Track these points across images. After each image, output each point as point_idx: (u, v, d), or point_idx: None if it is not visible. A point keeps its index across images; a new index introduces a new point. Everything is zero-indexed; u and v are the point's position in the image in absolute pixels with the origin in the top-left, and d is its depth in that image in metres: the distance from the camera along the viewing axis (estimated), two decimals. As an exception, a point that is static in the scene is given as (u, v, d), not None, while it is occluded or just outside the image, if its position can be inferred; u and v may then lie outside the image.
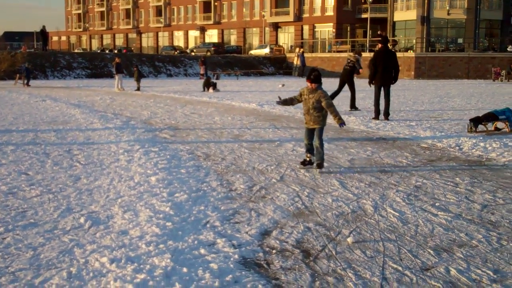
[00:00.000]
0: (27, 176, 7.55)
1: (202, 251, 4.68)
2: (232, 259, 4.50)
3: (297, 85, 33.66)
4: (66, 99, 21.28)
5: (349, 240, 4.90)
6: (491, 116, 11.82)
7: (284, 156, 9.10)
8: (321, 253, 4.63)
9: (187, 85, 34.05)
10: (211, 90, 26.55)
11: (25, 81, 32.66)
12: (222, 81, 36.93)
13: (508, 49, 46.26)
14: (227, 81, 39.08)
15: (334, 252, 4.64)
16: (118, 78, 28.27)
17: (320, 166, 7.75)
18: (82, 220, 5.54)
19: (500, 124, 11.95)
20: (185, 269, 4.26)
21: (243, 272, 4.24)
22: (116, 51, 60.92)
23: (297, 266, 4.36)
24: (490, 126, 11.88)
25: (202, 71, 41.62)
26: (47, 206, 6.07)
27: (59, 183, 7.13)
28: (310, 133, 7.83)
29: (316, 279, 4.09)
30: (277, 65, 53.67)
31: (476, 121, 11.70)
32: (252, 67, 51.96)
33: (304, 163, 8.10)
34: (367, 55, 45.89)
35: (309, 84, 7.63)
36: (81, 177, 7.45)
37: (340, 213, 5.77)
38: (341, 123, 7.64)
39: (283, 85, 32.58)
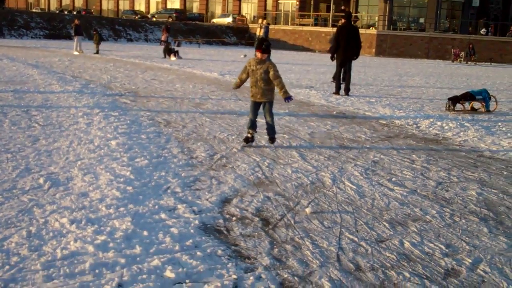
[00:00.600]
0: (-17, 134, 7.41)
1: (163, 215, 4.72)
2: (192, 224, 4.56)
3: (259, 56, 33.59)
4: (24, 59, 20.75)
5: (308, 210, 5.02)
6: (469, 96, 12.24)
7: (246, 126, 9.14)
8: (280, 222, 4.74)
9: (147, 50, 33.57)
10: (172, 57, 26.24)
11: None
12: (184, 49, 36.50)
13: (481, 32, 47.02)
14: (189, 48, 38.68)
15: (292, 222, 4.75)
16: (77, 40, 27.66)
17: (273, 140, 7.59)
18: (41, 180, 5.50)
19: (476, 104, 12.37)
20: (145, 233, 4.30)
21: (203, 238, 4.31)
22: (75, 13, 59.35)
23: (256, 233, 4.45)
24: (467, 106, 12.26)
25: (163, 38, 41.06)
26: (6, 165, 5.99)
27: (18, 143, 7.03)
28: (256, 107, 7.46)
29: (275, 246, 4.20)
30: (239, 35, 53.36)
31: (454, 100, 12.11)
32: (214, 35, 51.53)
33: (247, 140, 7.63)
34: (329, 29, 46.08)
35: (258, 54, 7.19)
36: (39, 138, 7.35)
37: (300, 184, 5.89)
38: (287, 97, 7.18)
39: (245, 55, 32.46)
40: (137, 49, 34.77)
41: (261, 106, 7.47)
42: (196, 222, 4.63)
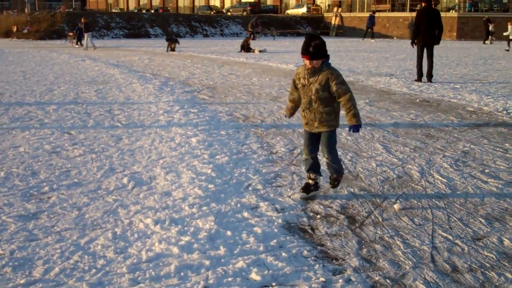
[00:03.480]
0: (69, 135, 7.60)
1: (245, 214, 4.63)
2: (275, 223, 4.44)
3: (334, 45, 33.12)
4: (105, 59, 21.37)
5: (396, 206, 4.78)
6: None
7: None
8: (367, 219, 4.53)
9: (223, 45, 33.81)
10: (256, 51, 26.32)
11: (77, 41, 33.29)
12: (259, 42, 36.55)
13: None
14: (264, 41, 38.62)
15: (380, 219, 4.53)
16: (87, 36, 29.46)
17: (336, 182, 5.18)
18: (125, 180, 5.55)
19: None
20: (229, 232, 4.22)
21: (288, 237, 4.17)
22: (153, 11, 60.76)
23: (342, 232, 4.27)
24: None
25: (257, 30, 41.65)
26: (90, 166, 6.10)
27: (101, 143, 7.16)
28: (313, 139, 5.05)
29: (363, 246, 4.01)
30: (314, 25, 52.77)
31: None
32: (289, 27, 51.24)
33: (308, 188, 5.13)
34: (407, 14, 44.74)
35: (306, 61, 4.73)
36: (122, 137, 7.46)
37: (385, 179, 5.64)
38: (356, 125, 4.81)
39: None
40: (213, 44, 35.10)
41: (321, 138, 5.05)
42: (280, 220, 4.50)
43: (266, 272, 3.59)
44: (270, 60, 20.98)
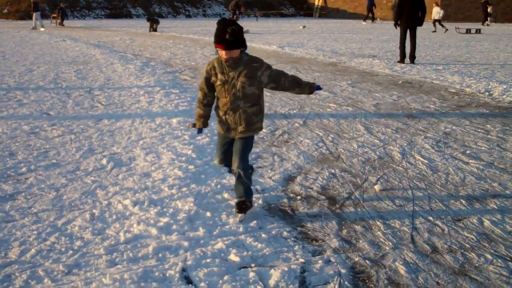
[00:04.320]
0: (48, 116, 7.49)
1: (226, 195, 4.59)
2: (256, 204, 4.41)
3: (318, 27, 33.04)
4: (86, 40, 21.09)
5: (377, 187, 4.77)
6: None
7: (307, 99, 8.91)
8: (347, 200, 4.52)
9: (206, 26, 33.53)
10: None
11: (60, 21, 32.89)
12: (242, 22, 36.29)
13: None
14: (246, 22, 38.39)
15: (361, 200, 4.52)
16: (35, 16, 29.21)
17: (242, 207, 4.12)
18: (104, 161, 5.48)
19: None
20: (208, 213, 4.18)
21: (268, 218, 4.14)
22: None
23: (323, 213, 4.25)
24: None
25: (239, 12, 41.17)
26: (69, 146, 6.01)
27: (81, 123, 7.06)
28: (228, 146, 4.17)
29: (343, 227, 3.99)
30: (297, 6, 52.57)
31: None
32: (272, 7, 50.96)
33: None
34: (391, -4, 44.66)
35: (222, 51, 3.81)
36: (102, 118, 7.36)
37: (367, 160, 5.63)
38: (316, 86, 4.20)
39: (304, 26, 31.96)
40: (195, 25, 34.79)
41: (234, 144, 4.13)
42: (260, 201, 4.47)
43: (245, 253, 3.56)
44: (253, 41, 20.85)
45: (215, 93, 4.07)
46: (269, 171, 5.28)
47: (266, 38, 22.97)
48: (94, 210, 4.23)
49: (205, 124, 4.18)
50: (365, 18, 40.73)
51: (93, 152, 5.82)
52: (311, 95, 4.52)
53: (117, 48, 17.75)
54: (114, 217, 4.12)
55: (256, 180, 4.99)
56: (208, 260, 3.46)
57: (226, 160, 4.21)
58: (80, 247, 3.63)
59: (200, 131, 4.22)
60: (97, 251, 3.57)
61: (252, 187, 4.32)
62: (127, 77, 11.15)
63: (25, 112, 7.66)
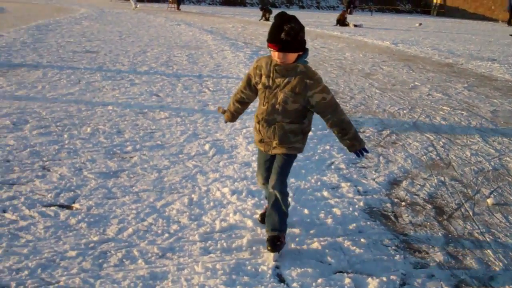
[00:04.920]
0: (157, 97, 7.64)
1: (325, 193, 4.43)
2: (356, 206, 4.22)
3: (434, 25, 31.77)
4: (200, 25, 21.53)
5: (489, 201, 4.42)
6: None
7: (419, 100, 8.52)
8: (456, 212, 4.22)
9: (318, 18, 33.26)
10: (351, 25, 25.81)
11: (177, 6, 34.06)
12: (355, 16, 35.67)
13: None
14: (360, 16, 37.64)
15: (471, 213, 4.20)
16: None
17: (276, 244, 3.36)
18: (207, 147, 5.48)
19: None
20: (306, 211, 4.05)
21: (368, 222, 3.95)
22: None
23: (428, 223, 3.99)
24: None
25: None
26: (175, 129, 6.08)
27: (188, 107, 7.14)
28: (270, 163, 3.50)
29: (450, 240, 3.71)
30: (414, 2, 50.88)
31: None
32: (388, 3, 49.69)
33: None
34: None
35: (275, 52, 3.17)
36: (208, 104, 7.41)
37: (480, 170, 5.25)
38: (361, 149, 3.37)
39: (420, 24, 30.89)
40: (308, 16, 34.57)
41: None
42: (361, 204, 4.27)
43: (342, 257, 3.40)
44: (366, 36, 20.37)
45: (254, 94, 3.49)
46: (373, 172, 5.06)
47: (379, 33, 22.37)
48: (192, 195, 4.22)
49: (231, 120, 3.75)
50: (508, 21, 36.90)
51: (197, 136, 5.85)
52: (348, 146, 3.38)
53: (229, 35, 17.95)
54: (211, 204, 4.09)
55: (358, 180, 4.80)
56: (303, 260, 3.33)
57: (265, 177, 3.55)
58: (176, 231, 3.62)
59: (226, 122, 3.93)
60: (192, 237, 3.54)
61: (356, 186, 4.13)
62: (236, 64, 11.21)
63: (135, 92, 7.87)
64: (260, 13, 28.07)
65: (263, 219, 3.73)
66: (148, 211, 3.90)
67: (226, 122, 3.80)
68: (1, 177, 4.40)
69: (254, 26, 23.14)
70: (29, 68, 9.39)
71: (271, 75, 3.24)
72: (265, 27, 22.45)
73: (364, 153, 3.38)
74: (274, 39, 3.12)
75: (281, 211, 3.39)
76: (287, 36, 3.07)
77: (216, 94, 8.07)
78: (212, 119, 6.58)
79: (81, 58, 10.79)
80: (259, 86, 3.32)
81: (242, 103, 3.61)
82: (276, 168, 3.40)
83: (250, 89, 3.46)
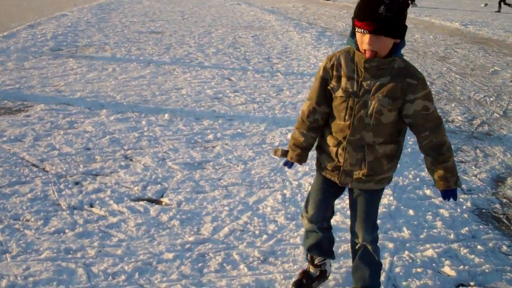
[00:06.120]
0: (230, 81, 7.39)
1: (427, 192, 4.08)
2: (464, 207, 3.86)
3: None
4: (260, 4, 21.14)
5: None
6: None
7: (503, 87, 7.99)
8: None
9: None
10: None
11: None
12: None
13: None
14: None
15: None
16: None
17: None
18: (289, 136, 5.18)
19: None
20: (411, 211, 3.72)
21: (481, 226, 3.60)
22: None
23: (549, 228, 3.61)
24: None
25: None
26: (253, 116, 5.81)
27: (262, 92, 6.85)
28: (330, 197, 2.66)
29: None
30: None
31: None
32: (450, -18, 47.93)
33: (301, 283, 2.78)
34: None
35: (365, 37, 2.26)
36: (283, 89, 7.10)
37: None
38: (452, 188, 2.48)
39: (485, 4, 29.57)
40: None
41: (352, 199, 2.62)
42: (468, 204, 3.91)
43: (461, 267, 3.07)
44: (432, 16, 19.57)
45: (331, 107, 2.46)
46: (473, 167, 4.67)
47: (445, 14, 21.47)
48: (285, 191, 3.95)
49: (301, 159, 2.61)
50: None
51: (277, 125, 5.56)
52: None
53: (291, 15, 17.53)
54: (307, 201, 3.81)
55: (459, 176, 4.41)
56: (419, 270, 3.02)
57: (322, 218, 2.66)
58: (274, 232, 3.36)
59: (290, 165, 2.66)
60: (293, 240, 3.27)
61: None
62: (304, 46, 10.83)
63: (207, 76, 7.63)
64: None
65: (297, 285, 2.77)
66: (241, 208, 3.65)
67: (291, 165, 2.65)
68: (84, 166, 4.23)
69: (315, 5, 22.57)
70: (97, 49, 9.29)
71: (358, 74, 2.34)
72: (326, 7, 21.89)
73: (455, 198, 2.48)
74: (367, 15, 2.20)
75: (373, 263, 2.62)
76: (388, 11, 2.17)
77: (289, 78, 7.75)
78: (289, 106, 6.27)
79: (147, 39, 10.64)
80: (338, 94, 2.38)
81: (316, 130, 2.53)
82: (364, 212, 2.54)
83: (326, 102, 2.45)
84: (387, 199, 3.85)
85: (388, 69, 2.30)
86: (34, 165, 4.22)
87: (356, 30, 2.26)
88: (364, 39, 2.24)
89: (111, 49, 9.30)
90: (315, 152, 2.61)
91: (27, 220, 3.36)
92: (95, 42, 9.97)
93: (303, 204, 2.74)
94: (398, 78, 2.30)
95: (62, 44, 9.54)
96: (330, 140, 2.47)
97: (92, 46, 9.49)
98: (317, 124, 2.51)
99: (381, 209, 3.67)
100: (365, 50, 2.27)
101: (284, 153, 2.65)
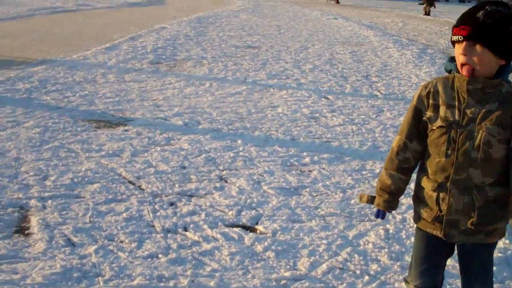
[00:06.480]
0: (327, 100, 7.18)
1: (548, 234, 3.67)
2: None
3: None
4: (357, 19, 20.79)
5: None
6: None
7: None
8: None
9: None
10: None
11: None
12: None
13: None
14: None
15: None
16: None
17: None
18: (391, 163, 4.90)
19: None
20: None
21: None
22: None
23: None
24: None
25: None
26: (352, 139, 5.56)
27: (361, 113, 6.59)
28: (438, 255, 2.25)
29: None
30: None
31: None
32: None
33: None
34: None
35: (459, 46, 2.00)
36: (383, 110, 6.80)
37: None
38: None
39: None
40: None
41: (460, 256, 2.27)
42: None
43: None
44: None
45: (424, 146, 2.16)
46: None
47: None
48: (388, 225, 3.68)
49: (390, 206, 2.29)
50: None
51: (377, 149, 5.29)
52: None
53: (389, 30, 17.06)
54: (412, 239, 3.52)
55: None
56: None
57: (432, 284, 2.28)
58: (377, 272, 3.11)
59: (382, 215, 2.33)
60: (398, 283, 3.00)
61: None
62: (405, 64, 10.43)
63: (303, 94, 7.46)
64: (420, 7, 26.66)
65: None
66: (340, 243, 3.42)
67: (383, 215, 2.32)
68: (179, 186, 4.17)
69: (415, 20, 21.94)
70: (194, 63, 9.37)
71: (458, 103, 2.03)
72: (427, 22, 21.20)
73: None
74: (463, 19, 2.00)
75: None
76: (487, 17, 1.94)
77: (390, 99, 7.43)
78: (391, 129, 5.97)
79: (243, 53, 10.64)
80: (436, 124, 2.07)
81: (406, 171, 2.22)
82: (479, 272, 2.19)
83: (419, 137, 2.15)
84: (502, 242, 3.50)
85: (495, 94, 1.99)
86: (130, 182, 4.20)
87: (452, 38, 2.01)
88: (459, 50, 1.99)
89: (208, 63, 9.35)
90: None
91: (121, 242, 3.30)
92: (193, 56, 10.07)
93: (411, 240, 2.45)
94: (507, 105, 1.99)
95: (161, 58, 9.71)
96: (427, 184, 2.12)
97: (190, 60, 9.59)
98: (408, 164, 2.19)
99: (495, 254, 3.33)
100: (462, 67, 2.00)
101: (371, 199, 2.33)
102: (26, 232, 3.37)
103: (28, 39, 11.62)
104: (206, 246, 3.29)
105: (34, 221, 3.50)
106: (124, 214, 3.65)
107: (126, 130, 5.48)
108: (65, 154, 4.73)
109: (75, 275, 2.90)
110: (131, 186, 4.12)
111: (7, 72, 7.90)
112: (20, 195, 3.86)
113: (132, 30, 13.54)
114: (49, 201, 3.78)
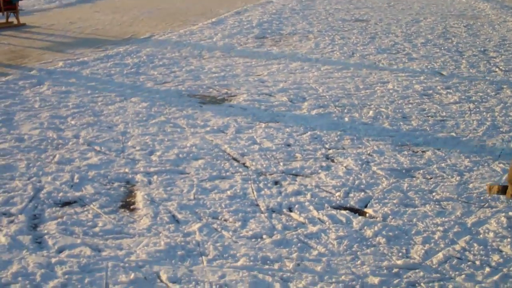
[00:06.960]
0: (441, 76, 6.75)
1: None
2: None
3: None
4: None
5: None
6: None
7: None
8: None
9: None
10: None
11: None
12: None
13: None
14: None
15: None
16: None
17: None
18: (514, 145, 4.49)
19: None
20: None
21: None
22: None
23: None
24: None
25: None
26: (469, 118, 5.17)
27: (479, 90, 6.12)
28: None
29: None
30: None
31: None
32: None
33: None
34: None
35: None
36: (503, 87, 6.28)
37: None
38: None
39: None
40: None
41: None
42: None
43: None
44: None
45: None
46: None
47: None
48: (510, 213, 3.33)
49: None
50: None
51: (498, 130, 4.87)
52: None
53: (508, 2, 15.86)
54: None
55: None
56: None
57: None
58: (499, 264, 2.82)
59: None
60: None
61: None
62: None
63: (415, 69, 7.07)
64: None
65: None
66: (458, 230, 3.14)
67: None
68: (284, 165, 4.04)
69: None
70: (300, 37, 9.17)
71: None
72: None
73: None
74: None
75: None
76: None
77: (510, 75, 6.86)
78: (511, 107, 5.50)
79: (351, 27, 10.29)
80: None
81: None
82: None
83: None
84: None
85: None
86: (235, 159, 4.13)
87: None
88: None
89: (315, 37, 9.12)
90: None
91: (225, 220, 3.23)
92: (299, 30, 9.87)
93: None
94: None
95: (267, 32, 9.60)
96: None
97: (296, 34, 9.40)
98: None
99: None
100: None
101: (503, 190, 2.04)
102: (131, 207, 3.39)
103: (137, 14, 11.94)
104: (312, 229, 3.15)
105: (139, 196, 3.51)
106: (228, 192, 3.58)
107: (231, 106, 5.42)
108: (171, 129, 4.74)
109: (179, 253, 2.86)
110: (235, 163, 4.04)
111: (116, 47, 8.11)
112: (127, 170, 3.90)
113: (238, 5, 13.53)
114: (155, 177, 3.79)
